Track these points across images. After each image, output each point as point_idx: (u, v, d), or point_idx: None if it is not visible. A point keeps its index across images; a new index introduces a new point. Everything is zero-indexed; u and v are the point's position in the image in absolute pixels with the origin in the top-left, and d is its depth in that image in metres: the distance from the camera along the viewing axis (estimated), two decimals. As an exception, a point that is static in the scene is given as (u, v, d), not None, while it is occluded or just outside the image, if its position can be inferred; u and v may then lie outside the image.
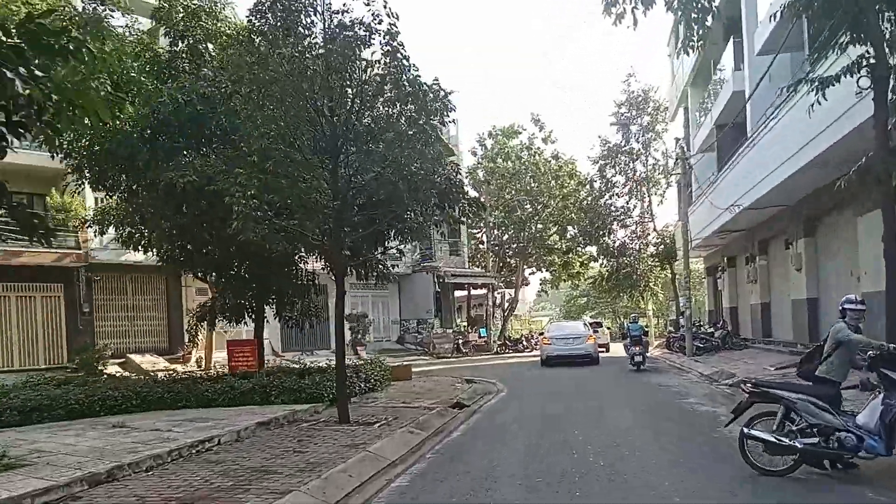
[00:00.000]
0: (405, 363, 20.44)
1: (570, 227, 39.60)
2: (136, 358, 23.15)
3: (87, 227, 17.41)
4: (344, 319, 10.52)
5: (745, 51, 19.98)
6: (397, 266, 15.25)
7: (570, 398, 13.49)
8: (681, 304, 32.81)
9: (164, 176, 11.42)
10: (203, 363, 21.96)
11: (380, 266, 15.59)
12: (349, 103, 10.19)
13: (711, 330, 24.91)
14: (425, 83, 10.46)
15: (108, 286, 23.56)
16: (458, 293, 47.45)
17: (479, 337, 42.11)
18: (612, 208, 37.17)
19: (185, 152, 12.06)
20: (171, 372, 19.61)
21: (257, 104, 9.60)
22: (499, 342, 39.02)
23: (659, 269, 36.64)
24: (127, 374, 20.52)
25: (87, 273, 22.51)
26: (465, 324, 43.52)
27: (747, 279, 23.80)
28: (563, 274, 43.56)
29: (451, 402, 12.45)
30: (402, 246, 14.13)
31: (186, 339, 23.93)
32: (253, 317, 14.85)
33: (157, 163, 11.99)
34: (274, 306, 15.38)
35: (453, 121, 40.97)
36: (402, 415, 10.61)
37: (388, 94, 10.52)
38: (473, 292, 45.43)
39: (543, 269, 46.17)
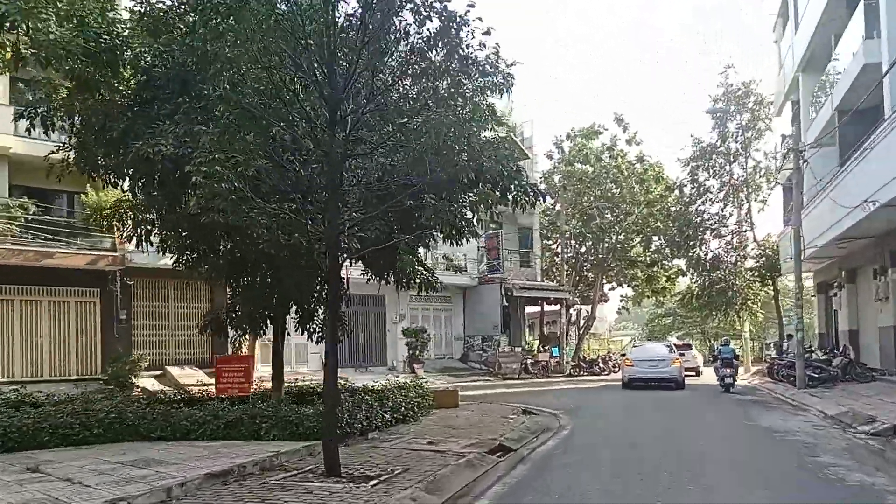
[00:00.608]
0: (451, 387, 17.51)
1: (655, 238, 35.63)
2: (174, 370, 21.41)
3: (94, 222, 15.73)
4: (336, 331, 7.79)
5: (881, 12, 16.15)
6: (433, 272, 12.43)
7: (653, 445, 10.24)
8: (788, 326, 28.61)
9: (133, 146, 9.13)
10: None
11: (420, 270, 12.95)
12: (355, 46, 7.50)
13: (826, 357, 20.74)
14: (460, 16, 7.67)
15: (147, 292, 21.96)
16: (529, 309, 44.13)
17: (551, 357, 39.03)
18: (705, 216, 32.92)
19: (167, 121, 9.73)
20: (207, 388, 17.63)
21: (220, 33, 7.04)
22: (572, 363, 35.61)
23: (759, 284, 32.07)
24: (162, 387, 18.72)
25: (124, 277, 20.95)
26: (538, 342, 40.42)
27: (875, 296, 19.59)
28: (646, 289, 39.46)
29: (494, 445, 9.48)
30: (440, 243, 11.35)
31: (230, 351, 22.12)
32: (264, 329, 12.46)
33: (135, 133, 9.78)
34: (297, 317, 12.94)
35: (529, 122, 38.18)
36: (417, 464, 7.74)
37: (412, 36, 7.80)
38: (547, 308, 42.48)
39: (624, 285, 42.27)
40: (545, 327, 43.74)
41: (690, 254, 33.00)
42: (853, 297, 23.38)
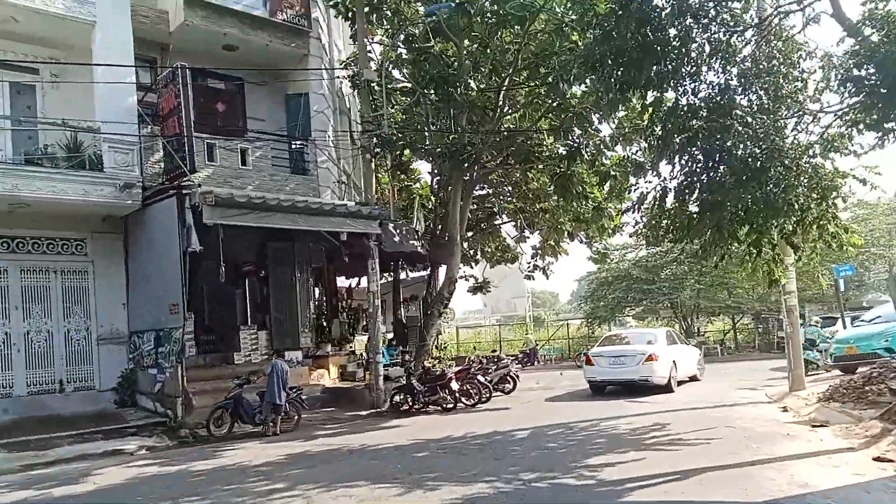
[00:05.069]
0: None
1: (570, 87, 15.31)
2: None
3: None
4: None
5: None
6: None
7: None
8: None
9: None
10: None
11: None
12: None
13: None
14: None
15: None
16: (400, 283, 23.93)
17: (364, 368, 19.28)
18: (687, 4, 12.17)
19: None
20: None
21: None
22: (414, 375, 15.69)
23: (842, 154, 11.33)
24: None
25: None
26: (389, 337, 21.01)
27: None
28: (563, 215, 19.41)
29: None
30: None
31: None
32: None
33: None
34: None
35: None
36: None
37: None
38: (416, 275, 23.72)
39: (534, 225, 22.32)
40: (403, 308, 24.44)
41: (651, 91, 12.26)
42: None
